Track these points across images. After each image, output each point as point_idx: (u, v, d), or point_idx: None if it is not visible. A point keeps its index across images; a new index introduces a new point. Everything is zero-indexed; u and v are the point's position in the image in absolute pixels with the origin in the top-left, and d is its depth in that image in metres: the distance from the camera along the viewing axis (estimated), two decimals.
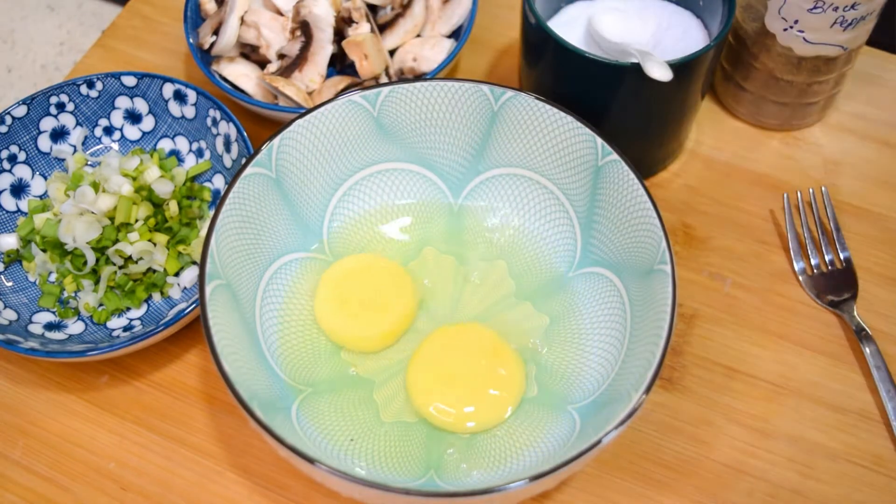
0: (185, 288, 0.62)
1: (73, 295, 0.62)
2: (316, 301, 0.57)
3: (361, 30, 0.67)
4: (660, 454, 0.56)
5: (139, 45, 0.77)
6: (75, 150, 0.67)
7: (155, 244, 0.61)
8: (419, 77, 0.66)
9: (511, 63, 0.74)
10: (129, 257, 0.61)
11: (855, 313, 0.60)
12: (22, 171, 0.65)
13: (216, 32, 0.69)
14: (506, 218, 0.61)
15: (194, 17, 0.70)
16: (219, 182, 0.65)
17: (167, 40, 0.77)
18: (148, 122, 0.68)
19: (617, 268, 0.55)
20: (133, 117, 0.68)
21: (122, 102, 0.67)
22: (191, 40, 0.69)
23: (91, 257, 0.60)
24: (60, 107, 0.66)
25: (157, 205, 0.63)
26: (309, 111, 0.56)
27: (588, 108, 0.57)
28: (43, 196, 0.66)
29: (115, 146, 0.68)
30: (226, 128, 0.63)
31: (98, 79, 0.66)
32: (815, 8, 0.59)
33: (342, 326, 0.56)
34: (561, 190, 0.58)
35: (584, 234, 0.58)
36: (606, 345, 0.54)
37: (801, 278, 0.62)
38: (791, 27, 0.61)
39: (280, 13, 0.69)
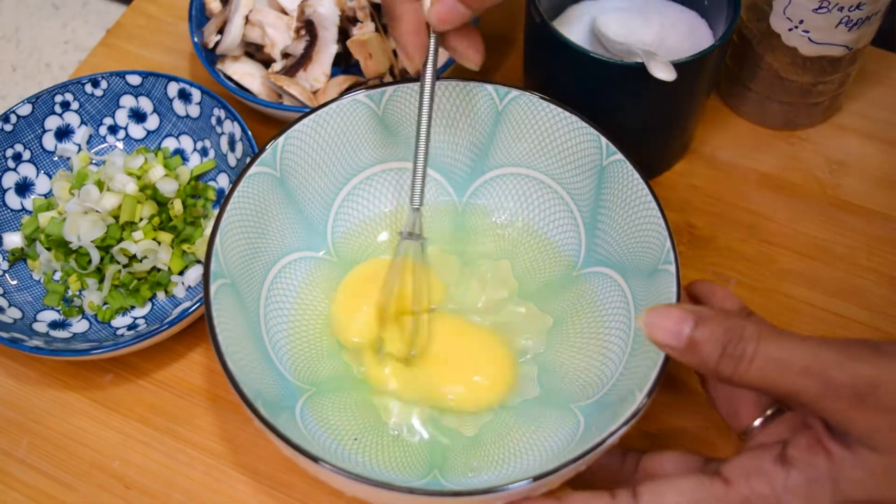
0: (189, 287, 0.62)
1: (77, 293, 0.62)
2: (337, 295, 0.57)
3: (366, 29, 0.67)
4: None
5: (144, 44, 0.77)
6: (80, 149, 0.67)
7: (159, 243, 0.61)
8: None
9: (515, 62, 0.74)
10: (134, 256, 0.61)
11: None
12: (27, 170, 0.66)
13: (221, 31, 0.69)
14: (510, 217, 0.61)
15: (199, 16, 0.70)
16: (223, 181, 0.66)
17: (172, 39, 0.77)
18: (152, 121, 0.68)
19: (621, 268, 0.55)
20: (138, 116, 0.68)
21: (127, 101, 0.67)
22: (195, 39, 0.69)
23: (95, 256, 0.60)
24: (65, 105, 0.66)
25: (162, 203, 0.63)
26: (313, 110, 0.56)
27: (592, 107, 0.57)
28: (48, 195, 0.66)
29: (120, 145, 0.68)
30: (230, 127, 0.63)
31: (103, 78, 0.66)
32: (820, 8, 0.59)
33: (347, 315, 0.56)
34: (565, 189, 0.58)
35: (589, 233, 0.58)
36: (611, 344, 0.54)
37: None
38: (796, 27, 0.61)
39: (285, 12, 0.69)
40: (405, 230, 0.53)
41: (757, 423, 0.46)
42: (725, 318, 0.41)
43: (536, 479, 0.43)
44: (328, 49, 0.67)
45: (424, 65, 0.50)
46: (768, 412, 0.46)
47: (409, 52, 0.49)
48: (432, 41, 0.49)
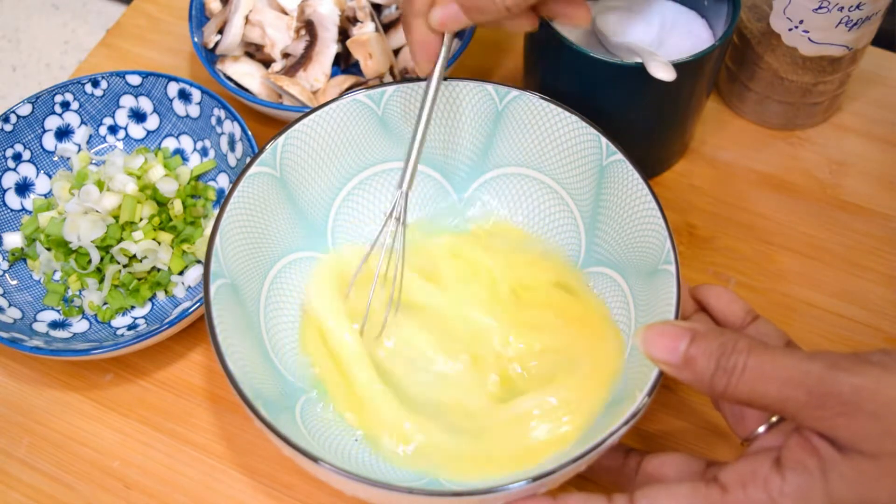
0: (189, 287, 0.62)
1: (77, 293, 0.62)
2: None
3: (366, 29, 0.67)
4: None
5: (144, 44, 0.77)
6: (80, 149, 0.67)
7: (159, 243, 0.61)
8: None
9: (515, 62, 0.74)
10: (134, 256, 0.61)
11: None
12: (27, 170, 0.66)
13: (221, 31, 0.69)
14: (510, 217, 0.61)
15: (199, 16, 0.70)
16: (223, 181, 0.66)
17: (172, 39, 0.77)
18: (152, 121, 0.68)
19: (621, 267, 0.55)
20: (138, 116, 0.68)
21: (127, 101, 0.67)
22: (195, 39, 0.69)
23: (95, 256, 0.60)
24: (65, 105, 0.66)
25: (162, 203, 0.63)
26: (313, 110, 0.56)
27: (592, 107, 0.57)
28: (47, 195, 0.66)
29: (120, 145, 0.68)
30: (230, 127, 0.63)
31: (103, 77, 0.66)
32: (820, 8, 0.59)
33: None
34: (565, 189, 0.58)
35: (589, 233, 0.58)
36: None
37: None
38: (796, 27, 0.61)
39: (285, 12, 0.69)
40: (395, 214, 0.53)
41: (761, 429, 0.46)
42: (720, 333, 0.42)
43: (536, 479, 0.43)
44: (328, 49, 0.67)
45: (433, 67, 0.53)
46: (773, 419, 0.46)
47: (417, 59, 0.53)
48: (444, 43, 0.52)
